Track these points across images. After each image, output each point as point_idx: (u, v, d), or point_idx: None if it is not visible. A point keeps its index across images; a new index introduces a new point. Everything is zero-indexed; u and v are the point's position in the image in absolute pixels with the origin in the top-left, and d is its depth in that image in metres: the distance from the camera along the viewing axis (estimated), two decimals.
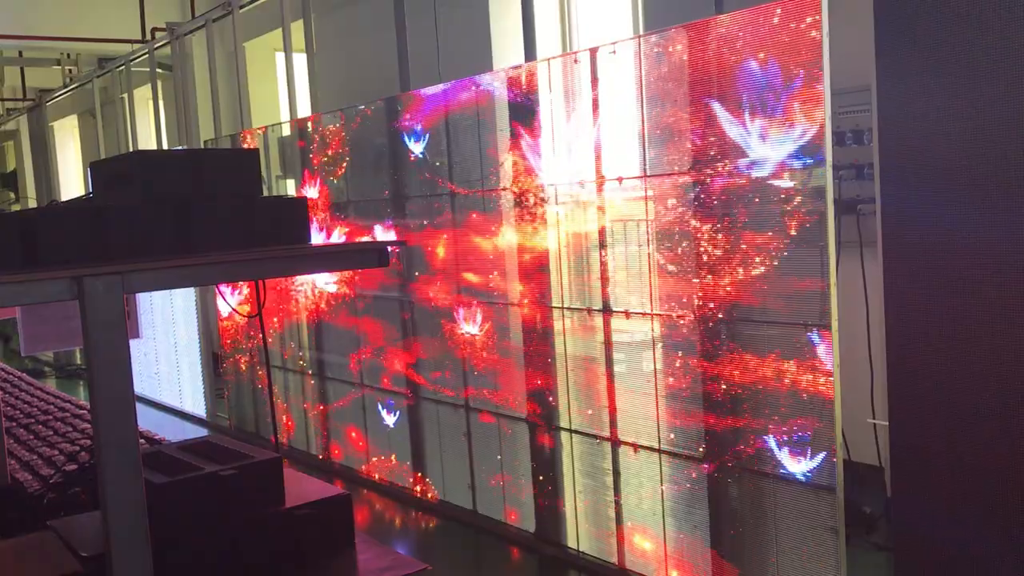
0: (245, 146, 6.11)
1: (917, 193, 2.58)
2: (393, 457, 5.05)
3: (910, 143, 2.58)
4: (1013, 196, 2.38)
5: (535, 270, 4.02)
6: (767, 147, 3.03)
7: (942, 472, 2.58)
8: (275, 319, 5.99)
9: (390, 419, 5.02)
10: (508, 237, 4.16)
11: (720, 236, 3.21)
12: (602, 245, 3.70)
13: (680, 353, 3.41)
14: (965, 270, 2.49)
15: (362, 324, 5.19)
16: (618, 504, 3.75)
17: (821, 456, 2.96)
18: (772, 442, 3.09)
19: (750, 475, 3.20)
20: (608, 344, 3.73)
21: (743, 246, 3.14)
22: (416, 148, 4.61)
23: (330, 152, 5.26)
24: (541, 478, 4.11)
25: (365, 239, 4.96)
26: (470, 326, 4.42)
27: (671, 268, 3.41)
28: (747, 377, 3.17)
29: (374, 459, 5.21)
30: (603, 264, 3.71)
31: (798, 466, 3.03)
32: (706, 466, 3.35)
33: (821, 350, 2.95)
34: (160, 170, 2.32)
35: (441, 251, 4.55)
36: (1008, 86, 2.36)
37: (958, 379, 2.52)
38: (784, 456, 3.06)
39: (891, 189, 2.65)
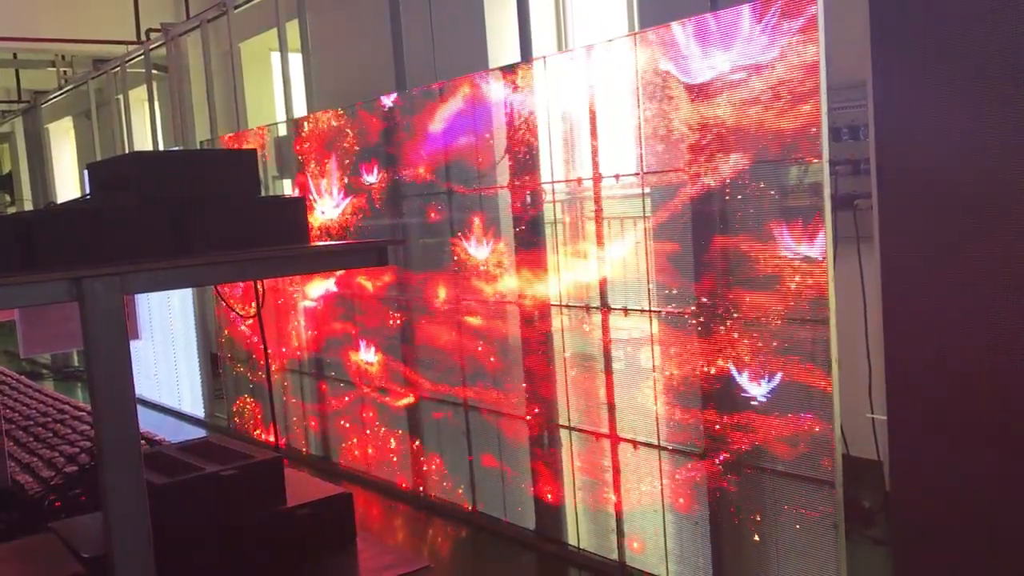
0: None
1: (914, 187, 2.58)
2: (394, 456, 5.05)
3: (906, 138, 2.59)
4: (1013, 189, 2.38)
5: (533, 268, 4.03)
6: (763, 143, 3.03)
7: (941, 467, 2.59)
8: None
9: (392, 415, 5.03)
10: (505, 235, 4.16)
11: (717, 232, 3.21)
12: (599, 242, 3.70)
13: (678, 349, 3.42)
14: (963, 264, 2.49)
15: (361, 321, 5.19)
16: (618, 501, 3.75)
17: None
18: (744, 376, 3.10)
19: (750, 470, 3.20)
20: (606, 341, 3.73)
21: (740, 242, 3.15)
22: (412, 146, 4.61)
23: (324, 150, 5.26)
24: (541, 476, 4.12)
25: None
26: (469, 325, 4.42)
27: (668, 265, 3.42)
28: (745, 372, 3.17)
29: (374, 458, 5.21)
30: (601, 261, 3.71)
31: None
32: (706, 462, 3.35)
33: (819, 345, 2.95)
34: (157, 171, 2.31)
35: (437, 255, 4.55)
36: (1006, 77, 2.37)
37: (956, 373, 2.53)
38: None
39: (887, 184, 2.66)
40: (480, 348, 4.37)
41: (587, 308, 3.80)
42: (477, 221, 4.28)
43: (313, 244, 2.45)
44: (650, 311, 3.51)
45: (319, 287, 5.50)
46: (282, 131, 5.78)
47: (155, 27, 8.05)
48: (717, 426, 3.29)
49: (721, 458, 3.29)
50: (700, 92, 3.22)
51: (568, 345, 3.93)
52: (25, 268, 1.96)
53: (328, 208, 5.25)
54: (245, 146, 6.02)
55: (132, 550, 1.89)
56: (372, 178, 4.88)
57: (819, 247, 2.92)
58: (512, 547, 4.23)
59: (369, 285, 5.05)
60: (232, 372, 6.59)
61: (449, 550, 4.40)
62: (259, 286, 2.87)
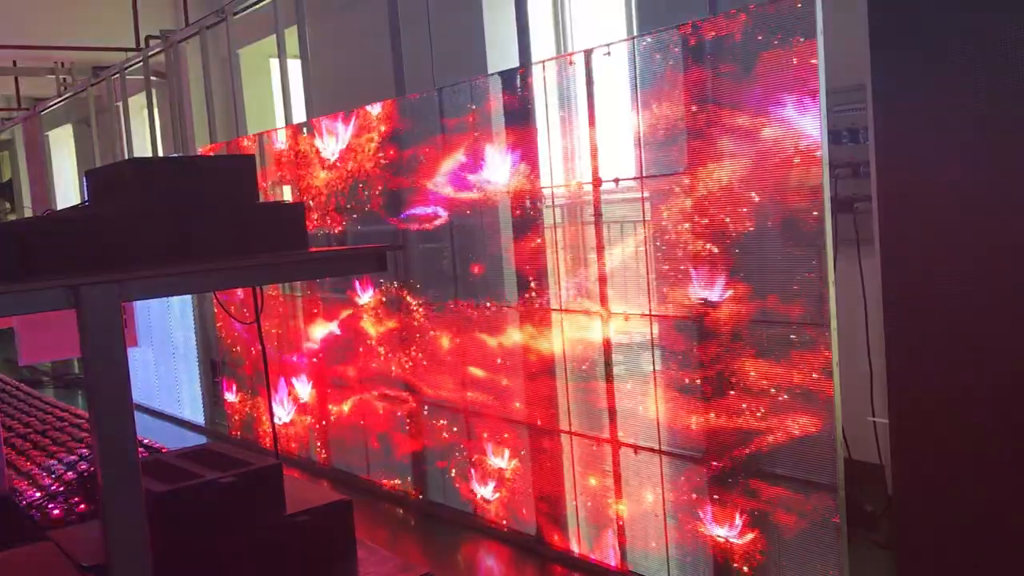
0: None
1: (914, 190, 2.58)
2: (394, 462, 5.04)
3: (906, 141, 2.59)
4: (1012, 192, 2.38)
5: (533, 273, 4.02)
6: (762, 146, 3.03)
7: (943, 469, 2.58)
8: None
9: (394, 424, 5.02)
10: (505, 240, 4.15)
11: (717, 236, 3.21)
12: (599, 247, 3.70)
13: (679, 354, 3.41)
14: (963, 267, 2.49)
15: (361, 327, 5.18)
16: (619, 505, 3.74)
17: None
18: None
19: (751, 474, 3.19)
20: (607, 346, 3.72)
21: (740, 246, 3.14)
22: (411, 153, 4.61)
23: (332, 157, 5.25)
24: (542, 481, 4.11)
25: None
26: (470, 331, 4.41)
27: (668, 269, 3.41)
28: (746, 376, 3.16)
29: (375, 464, 5.20)
30: (601, 266, 3.71)
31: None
32: (707, 466, 3.34)
33: (820, 349, 2.94)
34: (155, 177, 2.30)
35: (437, 261, 4.55)
36: (1006, 78, 2.36)
37: (957, 376, 2.52)
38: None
39: (888, 186, 2.65)
40: (480, 352, 4.36)
41: (587, 313, 3.80)
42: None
43: (312, 250, 2.44)
44: (651, 315, 3.50)
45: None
46: (281, 137, 5.78)
47: (154, 34, 8.06)
48: (718, 430, 3.27)
49: (722, 462, 3.28)
50: (698, 95, 3.21)
51: (568, 349, 3.92)
52: (23, 275, 1.95)
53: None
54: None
55: (131, 558, 1.88)
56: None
57: (819, 250, 2.91)
58: (513, 552, 4.21)
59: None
60: (233, 377, 6.59)
61: (450, 556, 4.38)
62: (258, 292, 2.85)
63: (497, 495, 4.37)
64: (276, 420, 6.03)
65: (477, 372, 4.39)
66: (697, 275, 3.30)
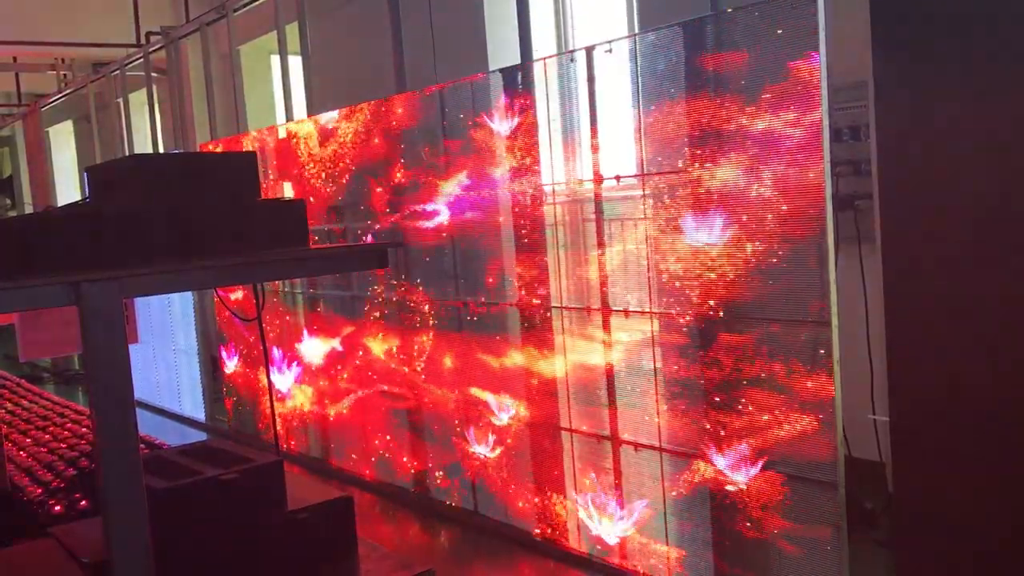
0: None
1: (915, 188, 2.58)
2: (394, 458, 5.04)
3: (907, 138, 2.58)
4: (1013, 190, 2.38)
5: (533, 270, 4.02)
6: (764, 144, 3.03)
7: (943, 467, 2.58)
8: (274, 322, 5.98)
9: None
10: (506, 238, 4.15)
11: (718, 233, 3.21)
12: (600, 244, 3.70)
13: (679, 351, 3.41)
14: (964, 265, 2.49)
15: (361, 324, 5.18)
16: (620, 503, 3.74)
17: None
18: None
19: (751, 471, 3.19)
20: (607, 343, 3.72)
21: (741, 243, 3.14)
22: (411, 150, 4.60)
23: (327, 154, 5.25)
24: (542, 478, 4.11)
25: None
26: (470, 328, 4.41)
27: (669, 266, 3.41)
28: (747, 374, 3.16)
29: (375, 461, 5.20)
30: (601, 263, 3.70)
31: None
32: (707, 464, 3.34)
33: (821, 346, 2.94)
34: (157, 173, 2.30)
35: (437, 258, 4.55)
36: (1006, 76, 2.36)
37: (958, 373, 2.52)
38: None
39: (889, 184, 2.65)
40: (480, 349, 4.36)
41: (588, 310, 3.80)
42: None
43: (314, 247, 2.44)
44: (651, 312, 3.50)
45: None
46: (281, 133, 5.78)
47: (155, 30, 8.04)
48: (719, 428, 3.28)
49: (723, 460, 3.28)
50: (700, 93, 3.21)
51: (569, 347, 3.92)
52: (24, 272, 1.95)
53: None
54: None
55: (132, 555, 1.88)
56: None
57: (820, 247, 2.91)
58: (513, 549, 4.22)
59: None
60: (235, 373, 6.59)
61: (450, 553, 4.38)
62: (260, 289, 2.85)
63: (499, 492, 4.37)
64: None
65: (477, 369, 4.39)
66: (697, 272, 3.29)
